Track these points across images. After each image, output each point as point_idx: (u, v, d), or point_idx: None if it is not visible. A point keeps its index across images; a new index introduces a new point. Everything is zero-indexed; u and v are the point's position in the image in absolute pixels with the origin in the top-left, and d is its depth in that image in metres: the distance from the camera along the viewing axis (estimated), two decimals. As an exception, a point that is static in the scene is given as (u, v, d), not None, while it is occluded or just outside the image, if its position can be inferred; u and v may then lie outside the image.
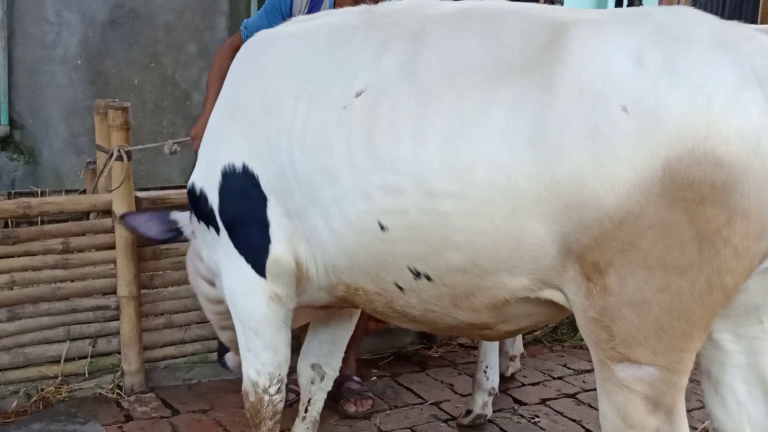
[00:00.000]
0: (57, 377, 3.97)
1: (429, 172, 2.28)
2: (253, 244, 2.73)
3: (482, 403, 3.90)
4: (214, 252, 2.92)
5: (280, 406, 2.96)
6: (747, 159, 1.97)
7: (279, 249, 2.68)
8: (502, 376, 4.21)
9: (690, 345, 2.15)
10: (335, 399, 3.94)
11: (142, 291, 4.12)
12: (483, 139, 2.21)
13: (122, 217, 3.49)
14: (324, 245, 2.56)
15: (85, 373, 4.04)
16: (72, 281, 4.03)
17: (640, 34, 2.14)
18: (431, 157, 2.28)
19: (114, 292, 4.08)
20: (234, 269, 2.81)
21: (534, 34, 2.27)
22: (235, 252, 2.78)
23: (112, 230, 4.01)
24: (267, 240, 2.68)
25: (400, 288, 2.47)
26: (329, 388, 3.37)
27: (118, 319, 4.08)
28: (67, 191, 4.61)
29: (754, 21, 10.42)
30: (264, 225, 2.67)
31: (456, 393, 4.26)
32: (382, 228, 2.38)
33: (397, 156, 2.33)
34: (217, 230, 2.81)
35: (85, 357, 4.06)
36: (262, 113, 2.67)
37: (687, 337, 2.13)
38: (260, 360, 2.89)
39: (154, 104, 6.67)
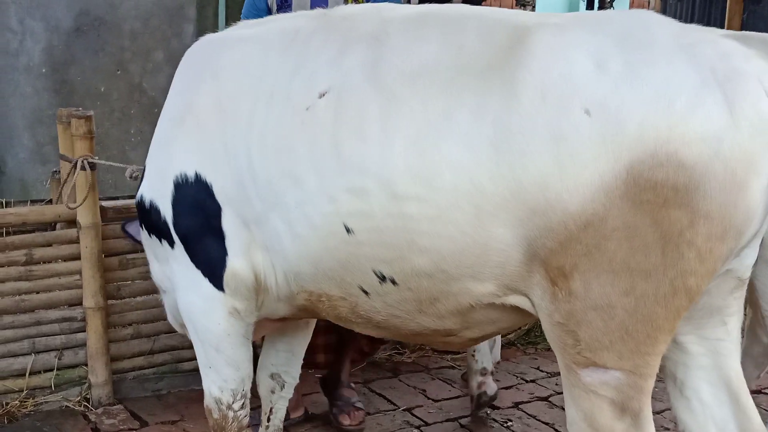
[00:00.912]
0: (22, 391, 3.91)
1: (395, 175, 2.26)
2: (209, 257, 2.65)
3: (477, 385, 3.90)
4: (166, 266, 2.81)
5: (245, 421, 2.90)
6: (709, 161, 1.98)
7: (236, 261, 2.62)
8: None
9: (655, 348, 2.14)
10: (329, 403, 3.93)
11: (109, 301, 4.06)
12: (447, 143, 2.20)
13: (122, 225, 3.37)
14: (285, 252, 2.51)
15: (51, 386, 3.98)
16: (36, 293, 3.96)
17: (602, 38, 2.14)
18: (397, 159, 2.26)
19: (80, 304, 4.01)
20: (191, 284, 2.72)
21: (495, 38, 2.26)
22: (192, 266, 2.69)
23: (77, 240, 3.95)
24: (224, 252, 2.62)
25: (366, 292, 2.44)
26: (290, 396, 3.32)
27: (84, 331, 4.01)
28: (33, 201, 4.57)
29: (722, 22, 10.50)
30: (220, 236, 2.61)
31: (428, 398, 4.23)
32: (348, 231, 2.35)
33: (363, 158, 2.30)
34: (171, 244, 2.71)
35: (51, 370, 3.99)
36: (216, 119, 2.59)
37: (652, 340, 2.13)
38: (222, 377, 2.82)
39: (122, 112, 6.60)
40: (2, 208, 4.31)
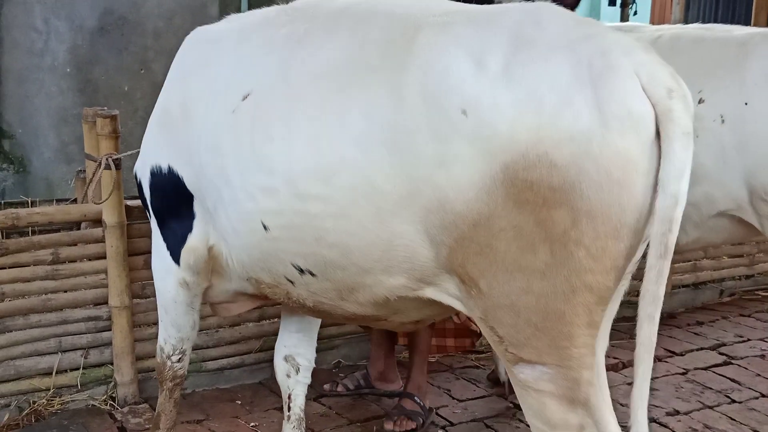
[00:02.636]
0: (49, 389, 3.92)
1: (297, 174, 2.36)
2: (173, 234, 2.91)
3: (505, 370, 3.96)
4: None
5: (180, 372, 3.24)
6: (580, 161, 1.98)
7: (195, 241, 2.83)
8: (498, 381, 4.20)
9: (574, 341, 2.14)
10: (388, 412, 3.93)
11: (134, 300, 4.07)
12: (342, 142, 2.28)
13: None
14: (230, 242, 2.69)
15: (77, 385, 3.99)
16: (63, 292, 3.97)
17: (487, 35, 2.16)
18: (298, 159, 2.35)
19: (105, 303, 4.02)
20: (157, 251, 3.02)
21: (392, 36, 2.31)
22: (161, 238, 2.97)
23: (102, 240, 3.95)
24: (187, 231, 2.84)
25: (291, 281, 2.56)
26: (308, 381, 3.37)
27: (110, 330, 4.02)
28: (58, 201, 4.56)
29: (747, 19, 10.40)
30: (189, 217, 2.83)
31: (453, 398, 4.21)
32: (265, 228, 2.48)
33: (271, 157, 2.41)
34: (150, 216, 3.03)
35: (77, 368, 4.00)
36: (182, 117, 2.77)
37: (566, 335, 2.13)
38: (167, 332, 3.15)
39: (145, 111, 6.60)
40: (28, 207, 4.31)
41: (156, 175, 2.88)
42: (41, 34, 5.88)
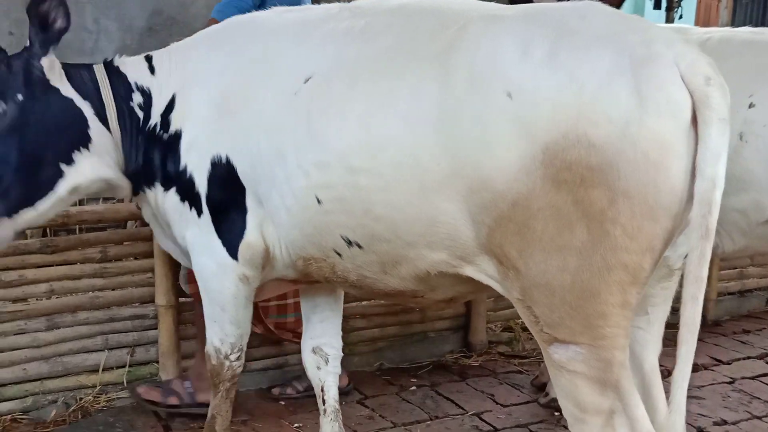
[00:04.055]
0: (96, 386, 3.96)
1: (349, 149, 2.48)
2: (231, 229, 2.89)
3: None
4: (186, 229, 3.00)
5: (239, 370, 3.20)
6: (618, 142, 2.07)
7: (252, 235, 2.85)
8: (543, 387, 4.18)
9: (608, 321, 2.21)
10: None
11: (180, 299, 4.09)
12: (391, 120, 2.40)
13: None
14: (282, 223, 2.75)
15: (123, 383, 4.02)
16: (111, 290, 4.01)
17: (534, 27, 2.28)
18: (350, 135, 2.48)
19: (152, 301, 4.06)
20: (207, 250, 2.96)
21: (443, 27, 2.45)
22: (214, 234, 2.93)
23: (150, 238, 3.98)
24: (244, 226, 2.86)
25: (339, 254, 2.65)
26: (338, 371, 3.38)
27: (156, 328, 4.06)
28: (105, 199, 4.60)
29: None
30: (243, 212, 2.85)
31: (497, 403, 4.19)
32: (318, 201, 2.58)
33: (326, 134, 2.54)
34: (199, 213, 2.94)
35: (124, 366, 4.04)
36: (242, 107, 2.80)
37: (600, 314, 2.20)
38: (224, 331, 3.09)
39: (192, 110, 6.65)
40: (77, 205, 4.36)
41: (217, 166, 2.85)
42: (92, 34, 5.94)
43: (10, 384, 3.81)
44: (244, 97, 2.80)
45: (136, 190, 3.13)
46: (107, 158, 3.03)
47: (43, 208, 2.94)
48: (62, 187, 2.95)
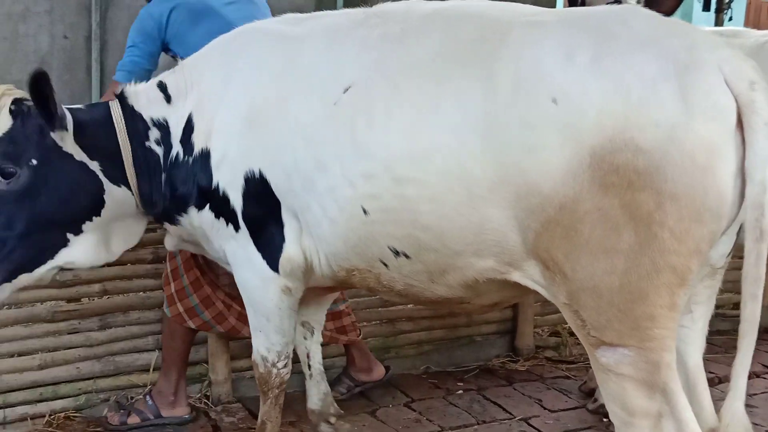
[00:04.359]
0: (146, 386, 4.00)
1: (395, 159, 2.49)
2: (269, 243, 2.89)
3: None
4: (225, 244, 3.01)
5: (287, 377, 3.23)
6: (664, 146, 2.11)
7: (291, 248, 2.86)
8: (591, 393, 4.15)
9: (656, 323, 2.23)
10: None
11: (230, 301, 4.11)
12: (437, 129, 2.41)
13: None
14: (324, 234, 2.74)
15: (173, 383, 4.05)
16: (162, 290, 4.05)
17: (577, 32, 2.31)
18: (396, 145, 2.49)
19: (202, 302, 4.09)
20: (248, 264, 2.97)
21: (484, 33, 2.46)
22: (253, 248, 2.93)
23: (200, 240, 4.02)
24: (282, 239, 2.86)
25: (385, 264, 2.67)
26: (320, 340, 3.61)
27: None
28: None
29: None
30: (280, 225, 2.85)
31: (545, 409, 4.17)
32: (364, 212, 2.58)
33: (371, 144, 2.54)
34: (236, 228, 2.94)
35: (173, 366, 4.07)
36: (274, 119, 2.78)
37: (649, 316, 2.22)
38: (270, 341, 3.13)
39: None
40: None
41: (251, 181, 2.84)
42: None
43: (64, 382, 3.87)
44: (276, 109, 2.78)
45: (161, 222, 3.17)
46: (120, 212, 3.06)
47: (39, 275, 2.96)
48: (62, 257, 2.97)
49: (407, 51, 2.58)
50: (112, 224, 3.07)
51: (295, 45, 2.86)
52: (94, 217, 2.98)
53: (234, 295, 3.60)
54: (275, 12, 3.46)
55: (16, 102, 2.86)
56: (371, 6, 2.89)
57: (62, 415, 3.83)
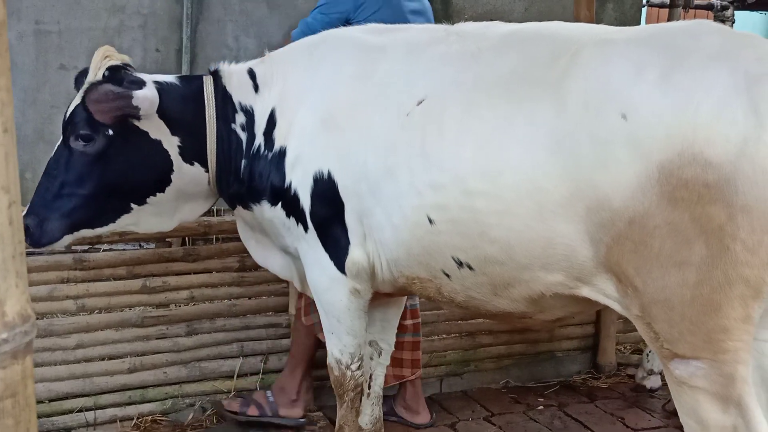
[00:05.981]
0: (230, 392, 4.07)
1: (466, 172, 2.53)
2: (336, 244, 2.96)
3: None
4: (297, 244, 3.09)
5: (361, 379, 3.26)
6: (735, 159, 2.11)
7: (356, 251, 2.92)
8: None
9: (730, 335, 2.22)
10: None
11: (313, 310, 4.17)
12: (508, 145, 2.46)
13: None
14: (386, 241, 2.80)
15: (256, 389, 4.12)
16: (247, 298, 4.14)
17: (646, 48, 2.34)
18: (468, 158, 2.53)
19: (286, 310, 4.17)
20: (318, 264, 3.04)
21: (556, 53, 2.50)
22: (322, 249, 3.00)
23: (285, 250, 4.09)
24: (347, 242, 2.93)
25: (447, 275, 2.69)
26: (387, 362, 3.57)
27: (289, 337, 4.14)
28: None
29: None
30: (344, 228, 2.91)
31: (628, 427, 4.12)
32: (430, 221, 2.63)
33: (442, 156, 2.59)
34: (306, 228, 3.00)
35: (257, 373, 4.15)
36: (349, 124, 2.85)
37: (722, 329, 2.21)
38: (342, 342, 3.16)
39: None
40: (216, 215, 4.52)
41: (319, 182, 2.90)
42: (232, 51, 6.13)
43: (151, 386, 3.97)
44: (352, 114, 2.85)
45: (234, 205, 3.22)
46: (187, 189, 3.14)
47: (101, 232, 3.14)
48: (124, 221, 3.12)
49: (482, 68, 2.64)
50: (178, 198, 3.16)
51: (375, 54, 2.94)
52: (158, 193, 3.09)
53: None
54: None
55: (112, 69, 2.99)
56: (453, 24, 2.97)
57: (149, 418, 3.93)
